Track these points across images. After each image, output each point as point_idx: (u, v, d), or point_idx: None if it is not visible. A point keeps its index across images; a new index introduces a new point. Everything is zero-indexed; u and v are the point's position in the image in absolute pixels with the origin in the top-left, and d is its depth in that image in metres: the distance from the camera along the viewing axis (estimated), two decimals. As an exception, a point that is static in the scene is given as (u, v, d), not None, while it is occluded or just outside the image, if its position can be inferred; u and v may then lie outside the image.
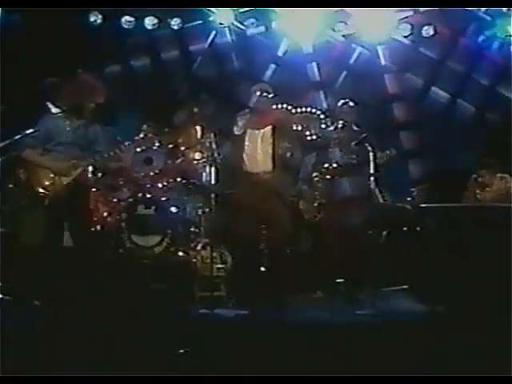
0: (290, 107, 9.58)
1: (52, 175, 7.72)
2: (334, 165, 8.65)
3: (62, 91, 7.93)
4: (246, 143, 7.99)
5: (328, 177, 8.59)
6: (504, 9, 10.15)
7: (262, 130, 7.99)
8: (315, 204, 8.62)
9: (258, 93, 8.02)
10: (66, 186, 7.70)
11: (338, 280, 8.46)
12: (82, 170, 7.78)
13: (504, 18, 10.27)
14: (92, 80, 8.01)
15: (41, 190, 7.73)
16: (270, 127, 7.97)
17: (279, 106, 8.85)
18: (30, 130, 7.71)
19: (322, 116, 9.38)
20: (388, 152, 8.58)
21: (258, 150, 7.99)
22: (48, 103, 8.39)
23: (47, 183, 7.71)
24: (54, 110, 8.22)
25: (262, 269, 8.04)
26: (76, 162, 7.74)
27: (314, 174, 8.62)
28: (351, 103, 8.76)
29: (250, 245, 8.04)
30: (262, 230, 7.88)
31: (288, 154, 7.97)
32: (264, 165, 7.94)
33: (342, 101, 8.90)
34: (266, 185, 7.90)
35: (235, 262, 8.31)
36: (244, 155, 7.99)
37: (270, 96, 8.02)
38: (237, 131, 8.00)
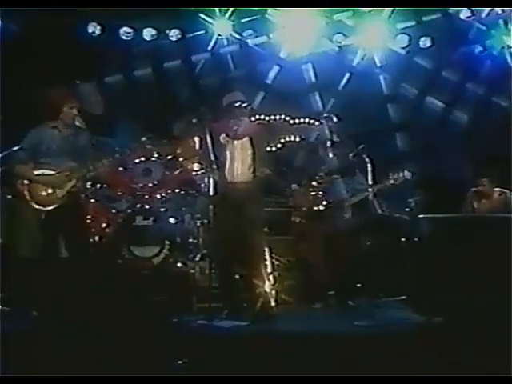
0: (287, 118, 9.64)
1: (46, 188, 7.73)
2: (331, 174, 8.68)
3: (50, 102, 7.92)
4: (227, 153, 7.91)
5: (324, 186, 8.60)
6: (501, 20, 10.20)
7: (239, 141, 7.92)
8: (308, 212, 8.61)
9: (236, 103, 7.92)
10: (60, 199, 7.71)
11: (330, 292, 8.47)
12: (76, 181, 7.78)
13: (501, 29, 10.31)
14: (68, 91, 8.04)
15: (36, 205, 7.74)
16: (247, 138, 7.91)
17: (277, 117, 8.89)
18: (16, 148, 7.75)
19: (319, 126, 9.44)
20: (401, 174, 8.53)
21: (236, 160, 7.90)
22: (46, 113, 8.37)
23: (42, 196, 7.72)
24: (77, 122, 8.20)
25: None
26: (69, 174, 7.75)
27: (312, 183, 8.63)
28: (334, 118, 8.77)
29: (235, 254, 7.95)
30: (239, 238, 7.78)
31: (267, 168, 7.91)
32: (243, 175, 7.87)
33: (324, 115, 8.97)
34: (246, 195, 7.81)
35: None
36: (225, 165, 7.90)
37: (244, 105, 7.95)
38: (223, 140, 7.92)
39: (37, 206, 7.74)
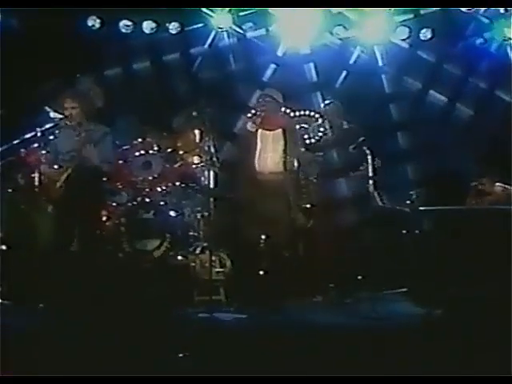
0: (288, 110, 9.65)
1: (47, 180, 7.78)
2: (332, 167, 8.69)
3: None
4: (258, 143, 8.08)
5: (325, 179, 8.61)
6: (501, 9, 10.16)
7: (272, 132, 8.08)
8: (311, 206, 8.62)
9: (268, 98, 8.11)
10: (59, 189, 7.75)
11: (330, 285, 8.48)
12: (72, 172, 7.79)
13: (502, 21, 10.28)
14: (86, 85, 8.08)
15: (38, 195, 7.79)
16: (280, 130, 8.07)
17: (287, 110, 8.96)
18: (28, 135, 7.76)
19: (320, 119, 9.44)
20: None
21: (268, 151, 8.06)
22: (47, 108, 8.41)
23: (44, 188, 7.77)
24: (52, 114, 8.25)
25: (261, 272, 8.02)
26: (66, 165, 7.78)
27: (312, 177, 8.64)
28: (336, 102, 8.87)
29: (250, 248, 8.04)
30: (265, 231, 7.86)
31: (296, 158, 8.06)
32: (275, 166, 8.02)
33: (327, 101, 9.03)
34: (277, 186, 7.95)
35: (234, 266, 8.31)
36: (256, 154, 8.07)
37: (280, 101, 8.15)
38: (251, 128, 8.05)
39: (39, 196, 7.83)
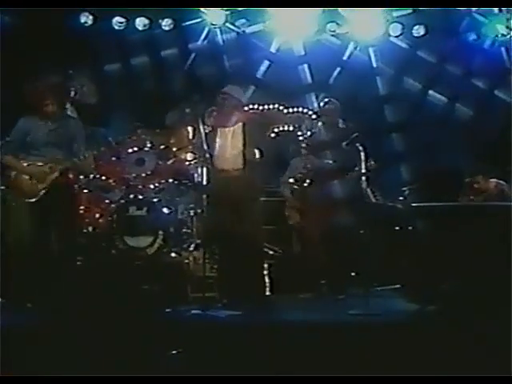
0: (281, 107, 9.62)
1: (30, 179, 7.70)
2: (324, 164, 8.68)
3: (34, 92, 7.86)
4: (217, 140, 7.93)
5: (316, 177, 8.60)
6: (495, 9, 10.18)
7: (231, 128, 7.94)
8: (303, 205, 8.62)
9: (225, 95, 7.95)
10: (42, 190, 7.67)
11: (322, 281, 8.47)
12: (60, 174, 7.73)
13: (496, 17, 10.29)
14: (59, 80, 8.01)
15: (21, 196, 7.71)
16: (240, 124, 7.93)
17: (271, 106, 8.88)
18: (8, 139, 7.73)
19: (313, 116, 9.43)
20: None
21: (228, 148, 7.92)
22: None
23: (26, 188, 7.69)
24: (69, 112, 8.17)
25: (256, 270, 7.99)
26: (53, 166, 7.70)
27: (302, 175, 8.63)
28: (334, 101, 8.83)
29: (238, 245, 7.97)
30: (234, 228, 7.78)
31: (258, 153, 7.93)
32: (234, 162, 7.88)
33: (325, 100, 9.00)
34: (237, 182, 7.82)
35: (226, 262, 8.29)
36: (215, 153, 7.92)
37: (239, 97, 8.00)
38: (206, 130, 7.95)
39: (24, 196, 7.71)
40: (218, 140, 7.87)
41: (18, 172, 7.73)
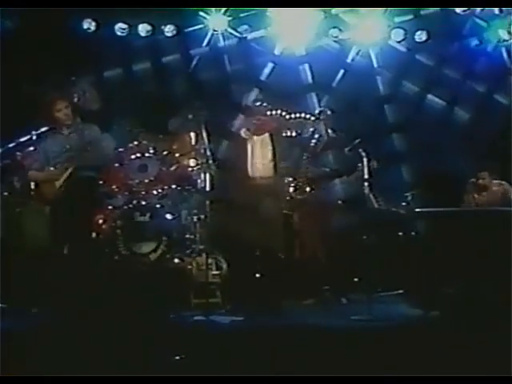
0: (283, 113, 9.63)
1: (44, 182, 7.82)
2: (327, 169, 8.70)
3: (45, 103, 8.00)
4: (249, 148, 8.07)
5: (319, 181, 8.61)
6: (496, 10, 10.18)
7: (260, 137, 8.03)
8: (305, 211, 8.63)
9: (257, 102, 8.11)
10: (58, 190, 7.78)
11: (325, 287, 8.48)
12: (73, 169, 7.81)
13: (497, 22, 10.30)
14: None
15: (46, 202, 7.84)
16: (267, 134, 8.04)
17: (273, 112, 8.90)
18: (24, 138, 7.78)
19: (315, 121, 9.43)
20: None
21: (257, 156, 8.03)
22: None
23: (40, 190, 7.79)
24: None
25: (257, 275, 8.03)
26: (67, 164, 7.81)
27: (304, 180, 8.65)
28: (328, 111, 8.84)
29: (245, 251, 8.05)
30: (259, 235, 7.88)
31: (284, 161, 8.06)
32: (265, 170, 7.98)
33: (319, 109, 9.03)
34: (268, 190, 7.95)
35: (230, 269, 8.32)
36: (248, 160, 8.06)
37: (264, 104, 8.11)
38: (245, 135, 8.06)
39: (35, 199, 7.84)
40: (249, 147, 7.99)
41: (40, 181, 7.89)
